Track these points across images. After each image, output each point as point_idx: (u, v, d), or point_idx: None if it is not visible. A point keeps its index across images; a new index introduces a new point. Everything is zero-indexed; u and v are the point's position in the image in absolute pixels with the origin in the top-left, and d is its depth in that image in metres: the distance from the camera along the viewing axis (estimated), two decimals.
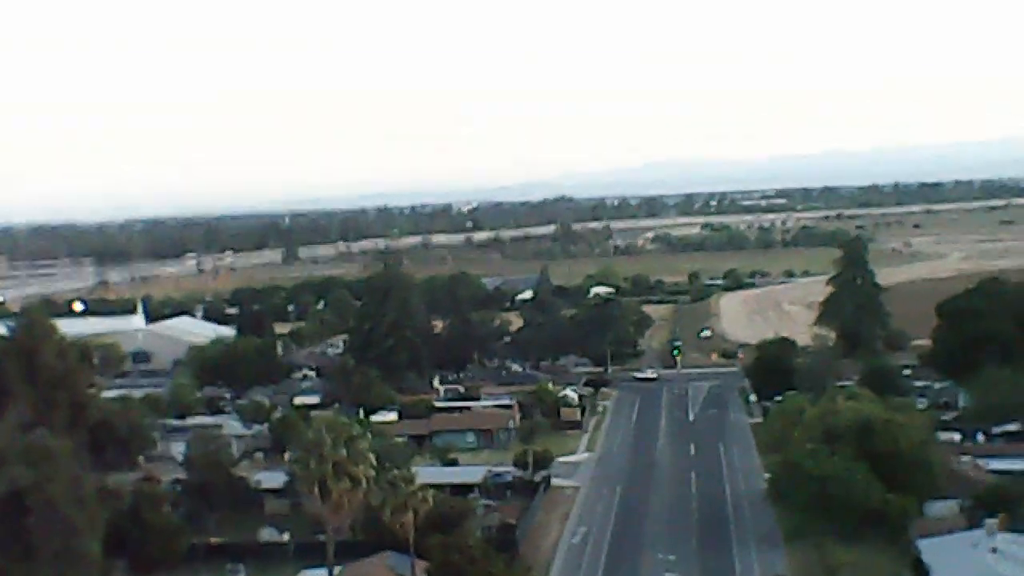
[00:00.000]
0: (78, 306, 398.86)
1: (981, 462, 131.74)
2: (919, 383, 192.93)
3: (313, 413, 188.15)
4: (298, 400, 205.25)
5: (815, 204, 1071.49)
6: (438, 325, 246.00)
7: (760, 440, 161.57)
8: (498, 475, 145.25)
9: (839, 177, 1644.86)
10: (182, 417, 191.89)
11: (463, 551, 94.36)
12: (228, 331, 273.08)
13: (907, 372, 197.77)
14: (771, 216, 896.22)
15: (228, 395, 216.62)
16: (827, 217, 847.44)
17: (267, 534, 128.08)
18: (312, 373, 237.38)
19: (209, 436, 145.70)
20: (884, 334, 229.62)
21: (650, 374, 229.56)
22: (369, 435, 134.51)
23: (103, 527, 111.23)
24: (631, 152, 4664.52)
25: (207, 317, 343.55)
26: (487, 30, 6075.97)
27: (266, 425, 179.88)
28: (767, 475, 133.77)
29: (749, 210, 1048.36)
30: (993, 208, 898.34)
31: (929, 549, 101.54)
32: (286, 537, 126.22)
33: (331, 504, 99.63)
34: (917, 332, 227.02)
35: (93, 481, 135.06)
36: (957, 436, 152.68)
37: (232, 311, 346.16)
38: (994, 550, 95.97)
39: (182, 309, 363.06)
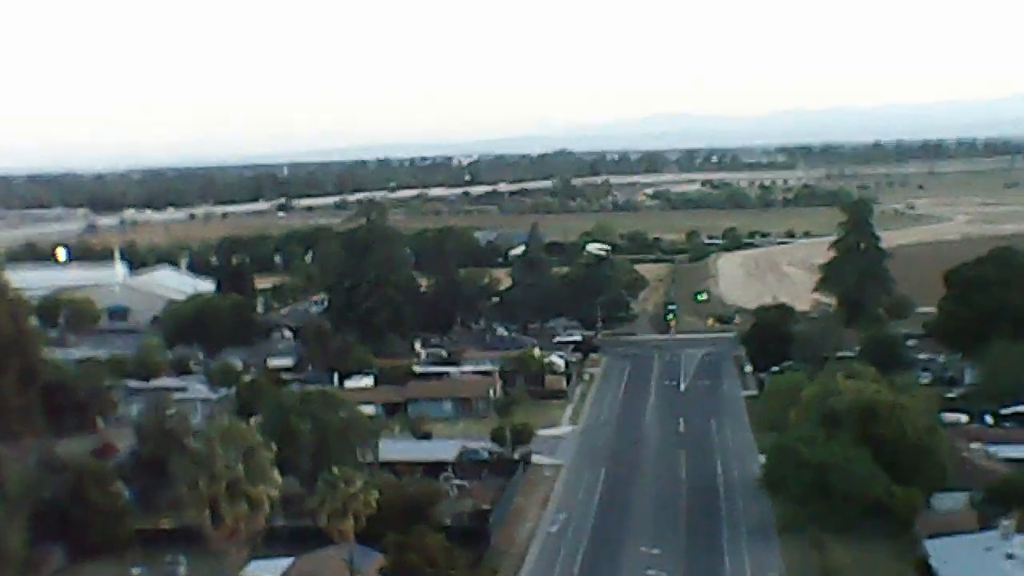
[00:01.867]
0: (61, 253, 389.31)
1: (992, 449, 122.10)
2: (923, 356, 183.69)
3: (284, 377, 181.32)
4: (272, 363, 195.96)
5: (816, 162, 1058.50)
6: (424, 283, 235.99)
7: (755, 416, 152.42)
8: (474, 452, 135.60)
9: (842, 133, 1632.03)
10: (147, 379, 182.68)
11: (422, 550, 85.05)
12: (208, 285, 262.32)
13: (911, 343, 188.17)
14: (772, 174, 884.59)
15: (201, 356, 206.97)
16: (829, 176, 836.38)
17: None
18: (290, 334, 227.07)
19: (163, 402, 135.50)
20: (887, 301, 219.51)
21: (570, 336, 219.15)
22: (337, 403, 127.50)
23: (38, 508, 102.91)
24: (634, 105, 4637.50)
25: (192, 267, 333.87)
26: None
27: (234, 389, 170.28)
28: (761, 456, 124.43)
29: (750, 167, 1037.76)
30: (996, 169, 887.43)
31: (937, 551, 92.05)
32: None
33: (224, 529, 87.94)
34: (921, 298, 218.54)
35: (41, 449, 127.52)
36: (963, 418, 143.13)
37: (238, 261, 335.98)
38: (1010, 556, 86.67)
39: (166, 259, 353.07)
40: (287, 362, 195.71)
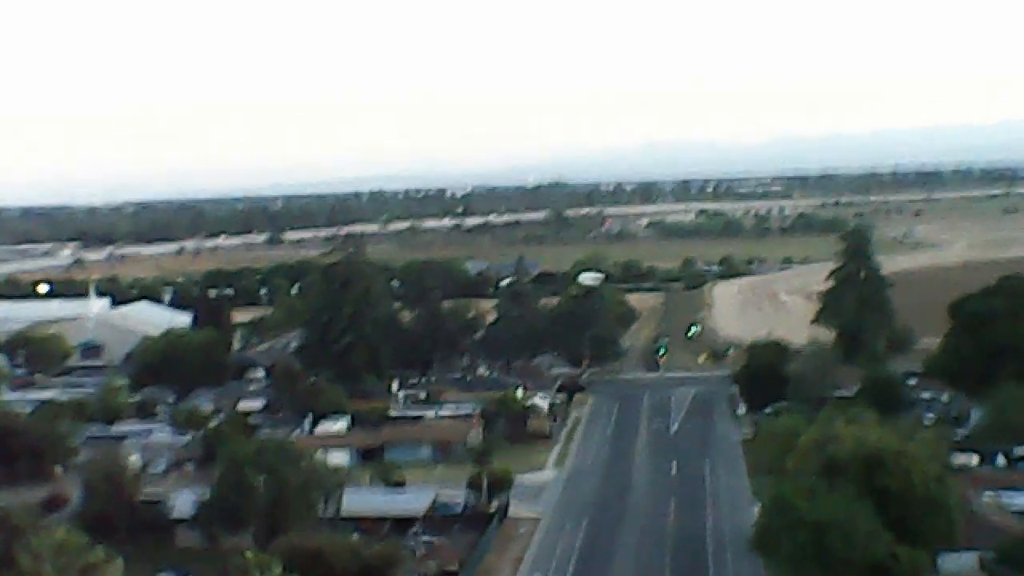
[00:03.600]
0: (43, 288, 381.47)
1: (1005, 499, 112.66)
2: (926, 394, 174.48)
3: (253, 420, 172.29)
4: (243, 405, 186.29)
5: (812, 191, 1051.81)
6: (409, 317, 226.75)
7: (749, 460, 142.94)
8: (446, 505, 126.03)
9: (837, 161, 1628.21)
10: (110, 423, 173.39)
11: None
12: (188, 319, 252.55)
13: (911, 382, 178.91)
14: (767, 203, 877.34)
15: (170, 398, 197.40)
16: (824, 205, 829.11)
17: None
18: (263, 373, 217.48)
19: (110, 455, 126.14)
20: (888, 333, 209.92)
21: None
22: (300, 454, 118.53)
23: None
24: (629, 134, 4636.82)
25: (175, 301, 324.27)
26: (487, 14, 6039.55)
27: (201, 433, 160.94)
28: (756, 507, 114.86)
29: (746, 197, 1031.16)
30: (994, 196, 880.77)
31: None
32: None
33: None
34: (923, 326, 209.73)
35: None
36: (975, 459, 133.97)
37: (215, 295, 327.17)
38: None
39: (147, 293, 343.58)
40: (258, 404, 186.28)
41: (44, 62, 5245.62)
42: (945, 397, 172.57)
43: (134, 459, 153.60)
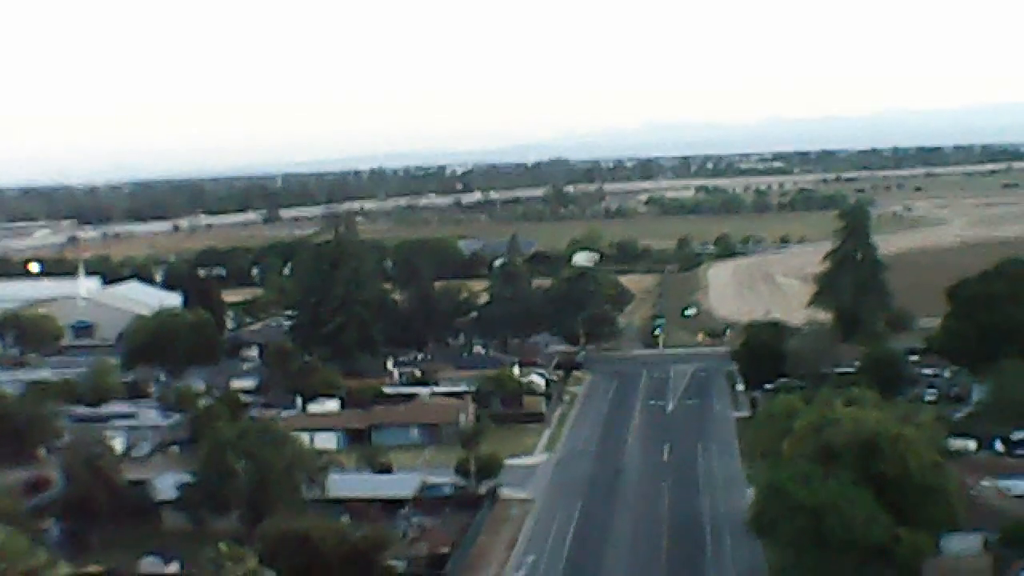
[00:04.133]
0: (34, 267, 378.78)
1: (1004, 485, 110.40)
2: (927, 371, 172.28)
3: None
4: (235, 384, 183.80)
5: (813, 168, 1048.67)
6: (400, 297, 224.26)
7: (746, 440, 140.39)
8: (435, 487, 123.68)
9: (838, 141, 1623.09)
10: (98, 404, 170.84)
11: None
12: (177, 299, 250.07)
13: (912, 358, 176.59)
14: (768, 179, 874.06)
15: (161, 377, 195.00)
16: (825, 180, 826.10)
17: (150, 564, 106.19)
18: (257, 352, 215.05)
19: (90, 438, 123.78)
20: (886, 314, 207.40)
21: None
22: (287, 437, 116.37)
23: None
24: (630, 113, 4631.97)
25: (167, 281, 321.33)
26: (487, 11, 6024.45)
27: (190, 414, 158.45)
28: (750, 490, 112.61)
29: (746, 173, 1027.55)
30: (994, 172, 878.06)
31: None
32: (172, 569, 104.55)
33: None
34: (922, 308, 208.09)
35: None
36: (972, 444, 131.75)
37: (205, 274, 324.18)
38: None
39: (139, 272, 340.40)
40: (251, 384, 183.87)
41: (44, 61, 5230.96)
42: (947, 373, 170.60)
43: (119, 441, 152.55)
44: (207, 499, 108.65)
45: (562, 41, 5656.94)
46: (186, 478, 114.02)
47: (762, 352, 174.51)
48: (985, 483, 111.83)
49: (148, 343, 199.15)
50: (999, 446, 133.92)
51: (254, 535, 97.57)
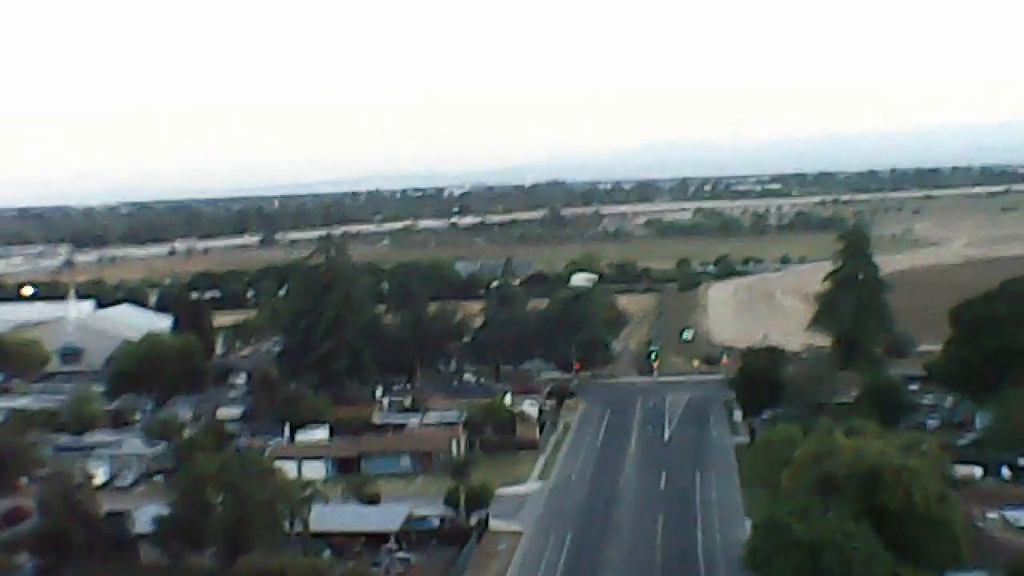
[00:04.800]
0: (27, 290, 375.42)
1: (1011, 516, 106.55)
2: (927, 399, 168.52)
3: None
4: (222, 413, 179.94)
5: (811, 189, 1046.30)
6: (395, 321, 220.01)
7: (744, 469, 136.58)
8: (422, 519, 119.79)
9: (836, 162, 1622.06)
10: (81, 433, 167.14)
11: None
12: (168, 322, 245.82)
13: (913, 387, 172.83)
14: (766, 202, 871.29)
15: (149, 405, 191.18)
16: (823, 202, 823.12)
17: None
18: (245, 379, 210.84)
19: (67, 468, 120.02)
20: (887, 338, 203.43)
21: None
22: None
23: None
24: (628, 134, 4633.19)
25: (161, 304, 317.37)
26: (487, 15, 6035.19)
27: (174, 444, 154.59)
28: (748, 521, 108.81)
29: (744, 195, 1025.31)
30: (993, 194, 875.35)
31: None
32: None
33: None
34: (922, 330, 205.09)
35: None
36: (978, 471, 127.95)
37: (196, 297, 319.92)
38: None
39: (133, 296, 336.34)
40: (238, 412, 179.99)
41: (44, 62, 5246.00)
42: (948, 402, 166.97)
43: (101, 470, 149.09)
44: (183, 534, 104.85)
45: (561, 62, 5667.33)
46: (166, 510, 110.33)
47: (759, 380, 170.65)
48: (992, 515, 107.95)
49: (134, 370, 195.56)
50: (1006, 472, 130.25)
51: (231, 572, 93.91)
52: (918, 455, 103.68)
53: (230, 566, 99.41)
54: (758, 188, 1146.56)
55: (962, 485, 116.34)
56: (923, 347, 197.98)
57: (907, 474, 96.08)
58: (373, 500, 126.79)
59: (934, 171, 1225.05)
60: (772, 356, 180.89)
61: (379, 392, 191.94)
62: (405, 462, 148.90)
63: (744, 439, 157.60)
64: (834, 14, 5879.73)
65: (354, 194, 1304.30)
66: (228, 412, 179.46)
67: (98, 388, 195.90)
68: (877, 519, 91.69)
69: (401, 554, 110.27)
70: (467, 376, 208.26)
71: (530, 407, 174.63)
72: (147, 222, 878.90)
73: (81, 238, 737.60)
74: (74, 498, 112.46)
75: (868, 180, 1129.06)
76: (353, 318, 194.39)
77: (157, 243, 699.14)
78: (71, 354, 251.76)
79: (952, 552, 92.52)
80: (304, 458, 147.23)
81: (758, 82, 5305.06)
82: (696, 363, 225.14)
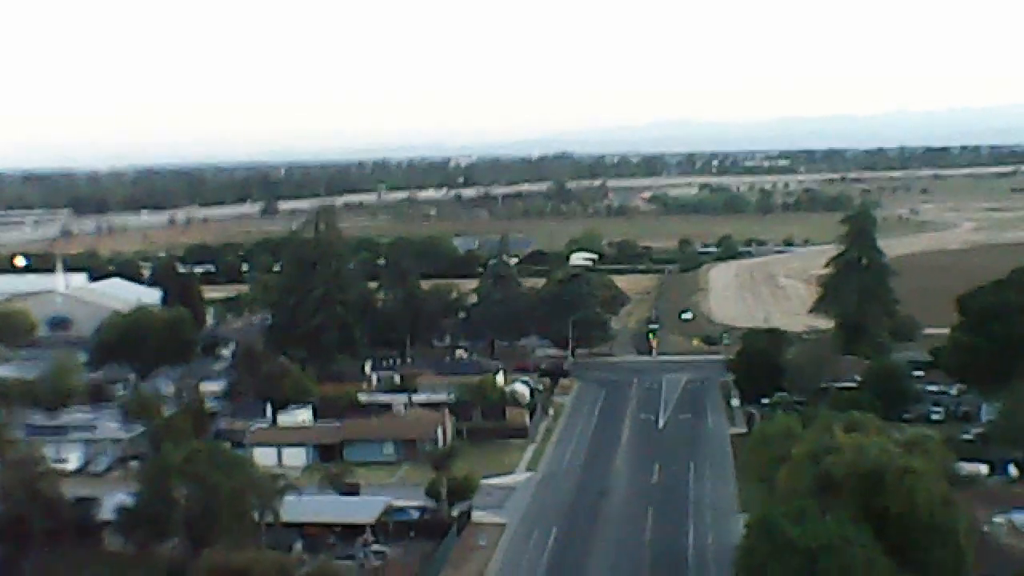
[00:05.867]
0: (20, 260, 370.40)
1: (1019, 519, 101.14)
2: (932, 388, 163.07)
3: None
4: (206, 387, 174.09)
5: (819, 167, 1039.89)
6: (388, 297, 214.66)
7: (740, 460, 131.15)
8: (401, 511, 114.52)
9: (845, 139, 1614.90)
10: (57, 409, 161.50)
11: None
12: (156, 295, 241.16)
13: (918, 373, 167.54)
14: (773, 178, 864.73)
15: (130, 377, 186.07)
16: (831, 180, 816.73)
17: None
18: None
19: (28, 458, 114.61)
20: (891, 322, 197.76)
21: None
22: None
23: None
24: (637, 110, 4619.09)
25: (154, 277, 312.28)
26: (490, 8, 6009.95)
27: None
28: (742, 517, 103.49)
29: (751, 171, 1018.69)
30: (1002, 174, 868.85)
31: None
32: None
33: None
34: (928, 314, 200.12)
35: None
36: (984, 469, 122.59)
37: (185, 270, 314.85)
38: None
39: (126, 268, 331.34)
40: (221, 387, 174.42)
41: (44, 61, 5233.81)
42: (954, 391, 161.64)
43: (75, 455, 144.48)
44: (147, 524, 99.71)
45: (570, 39, 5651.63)
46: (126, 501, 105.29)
47: (759, 363, 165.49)
48: (998, 519, 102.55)
49: (118, 340, 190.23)
50: (1013, 471, 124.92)
51: (190, 570, 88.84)
52: (921, 454, 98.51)
53: (194, 558, 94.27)
54: (766, 164, 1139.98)
55: (967, 484, 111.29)
56: (929, 331, 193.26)
57: (910, 476, 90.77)
58: (352, 490, 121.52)
59: (943, 150, 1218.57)
60: (773, 338, 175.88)
61: (368, 367, 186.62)
62: (389, 449, 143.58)
63: (741, 428, 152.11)
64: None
65: (360, 163, 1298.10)
66: (210, 388, 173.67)
67: (82, 357, 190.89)
68: (877, 523, 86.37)
69: (376, 547, 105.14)
70: (460, 352, 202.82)
71: (522, 388, 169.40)
72: (150, 188, 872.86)
73: (82, 204, 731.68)
74: (36, 485, 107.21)
75: (876, 159, 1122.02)
76: (343, 293, 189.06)
77: (159, 210, 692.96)
78: (59, 323, 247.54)
79: (956, 560, 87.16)
80: (284, 444, 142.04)
81: (768, 61, 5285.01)
82: (696, 343, 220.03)
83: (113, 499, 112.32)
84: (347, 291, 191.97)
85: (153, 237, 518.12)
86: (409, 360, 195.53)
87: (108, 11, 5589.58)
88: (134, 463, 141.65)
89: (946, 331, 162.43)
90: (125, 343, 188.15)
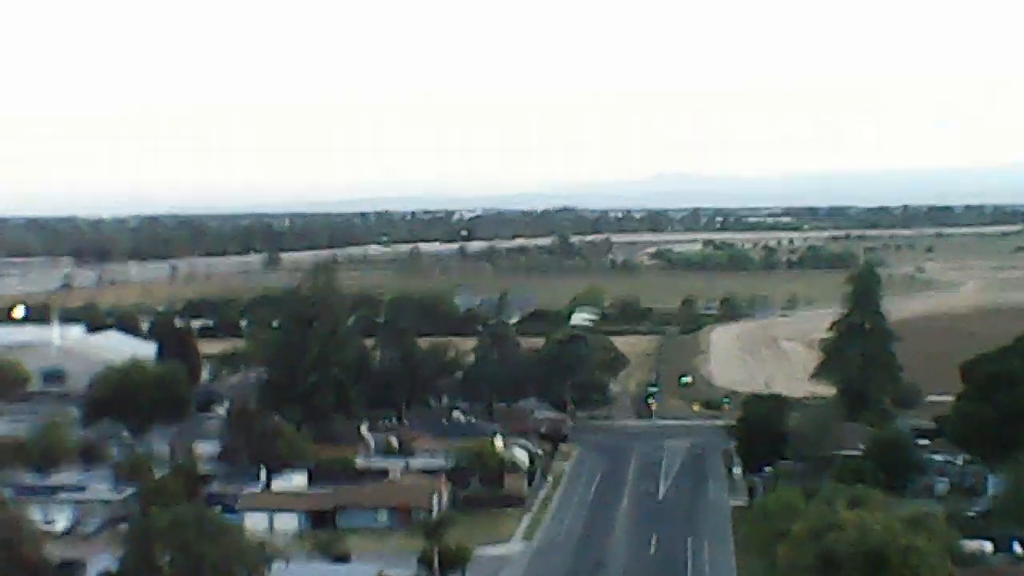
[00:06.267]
0: (19, 311, 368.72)
1: None
2: (937, 457, 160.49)
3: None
4: (200, 448, 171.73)
5: (822, 224, 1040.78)
6: (386, 355, 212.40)
7: (741, 534, 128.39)
8: None
9: (848, 197, 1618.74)
10: (47, 469, 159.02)
11: None
12: (152, 349, 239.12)
13: (923, 441, 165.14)
14: (777, 235, 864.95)
15: (124, 434, 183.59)
16: (835, 238, 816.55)
17: None
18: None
19: (11, 519, 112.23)
20: (894, 388, 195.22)
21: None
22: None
23: None
24: (641, 165, 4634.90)
25: (153, 330, 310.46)
26: (500, 36, 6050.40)
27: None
28: None
29: (755, 228, 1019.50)
30: (1006, 234, 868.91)
31: None
32: None
33: None
34: (932, 380, 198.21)
35: None
36: (988, 546, 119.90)
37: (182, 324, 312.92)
38: None
39: (123, 321, 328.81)
40: (215, 447, 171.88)
41: (44, 62, 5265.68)
42: (959, 461, 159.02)
43: (64, 516, 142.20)
44: None
45: (575, 93, 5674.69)
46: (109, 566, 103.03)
47: (761, 430, 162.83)
48: None
49: (111, 396, 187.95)
50: (1018, 548, 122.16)
51: None
52: (925, 531, 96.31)
53: None
54: (769, 221, 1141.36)
55: (971, 562, 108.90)
56: (932, 397, 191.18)
57: (914, 555, 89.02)
58: (342, 558, 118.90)
59: (946, 209, 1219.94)
60: (775, 404, 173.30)
61: (364, 428, 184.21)
62: (383, 517, 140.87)
63: (743, 500, 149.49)
64: (846, 41, 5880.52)
65: (363, 214, 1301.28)
66: (204, 448, 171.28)
67: (75, 413, 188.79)
68: None
69: None
70: (457, 414, 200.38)
71: (521, 453, 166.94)
72: (153, 237, 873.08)
73: (85, 252, 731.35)
74: (20, 547, 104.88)
75: (880, 216, 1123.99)
76: (339, 354, 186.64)
77: (162, 259, 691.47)
78: (53, 377, 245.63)
79: None
80: (276, 510, 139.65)
81: (770, 116, 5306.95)
82: (696, 408, 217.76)
83: (99, 563, 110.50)
84: (344, 350, 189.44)
85: (153, 289, 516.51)
86: (406, 421, 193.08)
87: (113, 59, 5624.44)
88: (124, 525, 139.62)
89: (950, 398, 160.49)
90: (118, 399, 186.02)
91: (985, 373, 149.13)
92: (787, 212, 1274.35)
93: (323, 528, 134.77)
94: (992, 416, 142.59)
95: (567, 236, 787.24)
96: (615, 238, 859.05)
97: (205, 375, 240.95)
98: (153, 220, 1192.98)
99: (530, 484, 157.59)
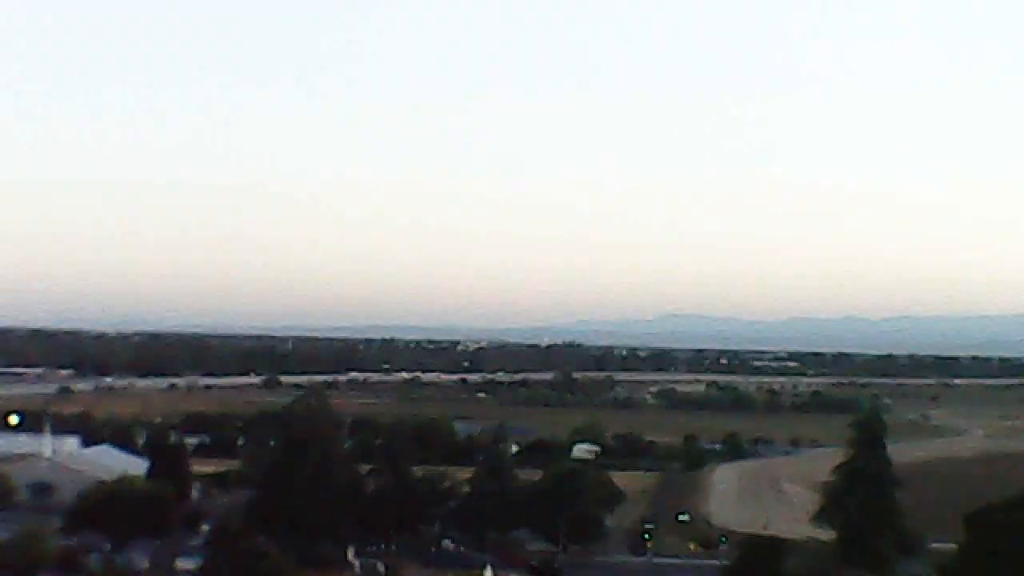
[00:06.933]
0: (13, 419, 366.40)
1: None
2: None
3: None
4: (181, 564, 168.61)
5: (828, 370, 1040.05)
6: (380, 481, 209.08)
7: None
8: None
9: (853, 343, 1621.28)
10: None
11: None
12: (144, 465, 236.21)
13: None
14: (781, 379, 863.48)
15: (105, 546, 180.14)
16: (840, 384, 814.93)
17: None
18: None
19: None
20: (895, 536, 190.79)
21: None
22: None
23: None
24: (649, 302, 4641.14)
25: (148, 444, 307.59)
26: (505, 171, 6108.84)
27: None
28: None
29: (760, 371, 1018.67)
30: (1010, 386, 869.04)
31: None
32: None
33: None
34: (935, 527, 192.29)
35: None
36: None
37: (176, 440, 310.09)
38: None
39: (119, 434, 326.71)
40: (195, 565, 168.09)
41: (59, 217, 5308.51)
42: None
43: None
44: None
45: (579, 233, 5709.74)
46: None
47: (757, 572, 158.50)
48: None
49: (94, 507, 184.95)
50: None
51: None
52: None
53: None
54: (774, 364, 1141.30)
55: None
56: (934, 545, 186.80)
57: None
58: None
59: (952, 359, 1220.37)
60: (772, 548, 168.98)
61: (351, 553, 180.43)
62: None
63: None
64: (851, 195, 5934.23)
65: (367, 340, 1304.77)
66: (186, 564, 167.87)
67: (58, 523, 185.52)
68: None
69: None
70: (447, 543, 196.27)
71: None
72: (154, 353, 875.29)
73: (85, 364, 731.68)
74: None
75: (886, 364, 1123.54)
76: (330, 477, 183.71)
77: (162, 376, 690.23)
78: (41, 490, 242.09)
79: None
80: None
81: (777, 262, 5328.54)
82: (693, 547, 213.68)
83: None
84: (336, 473, 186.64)
85: (152, 401, 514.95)
86: (394, 548, 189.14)
87: (119, 182, 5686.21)
88: None
89: (952, 546, 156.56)
90: (101, 511, 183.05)
91: (990, 524, 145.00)
92: (792, 356, 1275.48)
93: None
94: (997, 570, 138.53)
95: (570, 372, 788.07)
96: (618, 376, 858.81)
97: (195, 494, 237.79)
98: (155, 337, 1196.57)
99: None
